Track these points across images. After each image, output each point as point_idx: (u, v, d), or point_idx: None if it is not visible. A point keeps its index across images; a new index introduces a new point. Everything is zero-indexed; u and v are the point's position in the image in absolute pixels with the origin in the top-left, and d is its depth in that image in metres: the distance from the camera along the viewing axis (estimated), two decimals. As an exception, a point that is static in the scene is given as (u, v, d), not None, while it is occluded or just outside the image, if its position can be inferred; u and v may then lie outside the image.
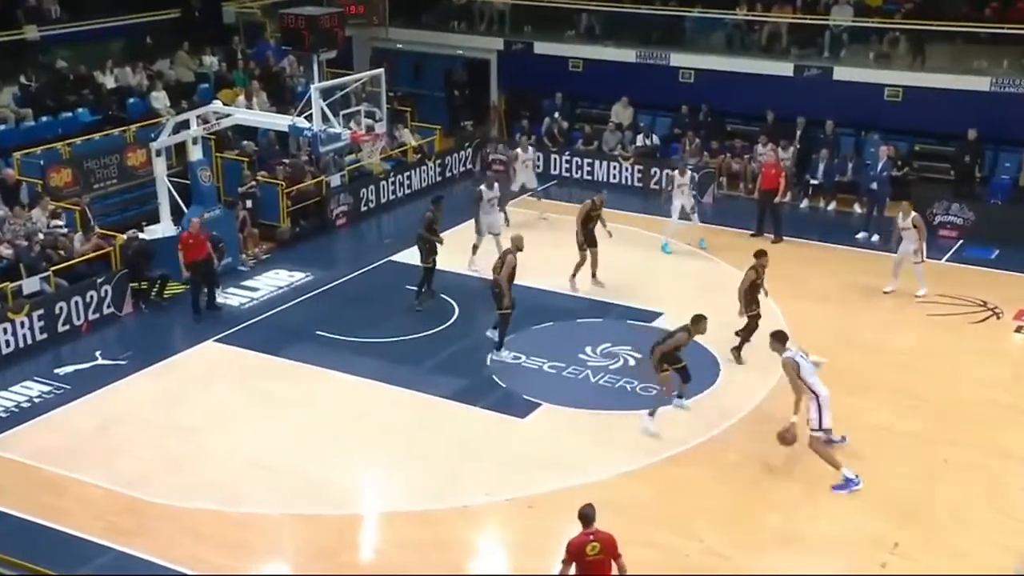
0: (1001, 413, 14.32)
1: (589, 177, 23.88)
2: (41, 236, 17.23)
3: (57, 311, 16.22)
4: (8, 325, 15.59)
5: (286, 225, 20.41)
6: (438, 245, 17.55)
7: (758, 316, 15.34)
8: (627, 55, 25.12)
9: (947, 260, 19.26)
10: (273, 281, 18.74)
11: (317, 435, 13.80)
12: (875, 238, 20.35)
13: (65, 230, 17.59)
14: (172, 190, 18.73)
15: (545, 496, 12.36)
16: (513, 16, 27.30)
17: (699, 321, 13.53)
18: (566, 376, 15.27)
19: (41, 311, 16.01)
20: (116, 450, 13.46)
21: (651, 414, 13.58)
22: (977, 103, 21.59)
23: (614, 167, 23.83)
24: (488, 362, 15.64)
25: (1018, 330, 16.77)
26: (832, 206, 22.40)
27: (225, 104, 19.67)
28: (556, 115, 25.40)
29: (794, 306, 16.74)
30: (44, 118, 20.94)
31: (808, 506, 12.27)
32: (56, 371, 15.48)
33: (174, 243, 17.35)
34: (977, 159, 21.81)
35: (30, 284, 16.31)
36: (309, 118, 16.74)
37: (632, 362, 15.45)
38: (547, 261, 17.80)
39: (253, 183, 20.17)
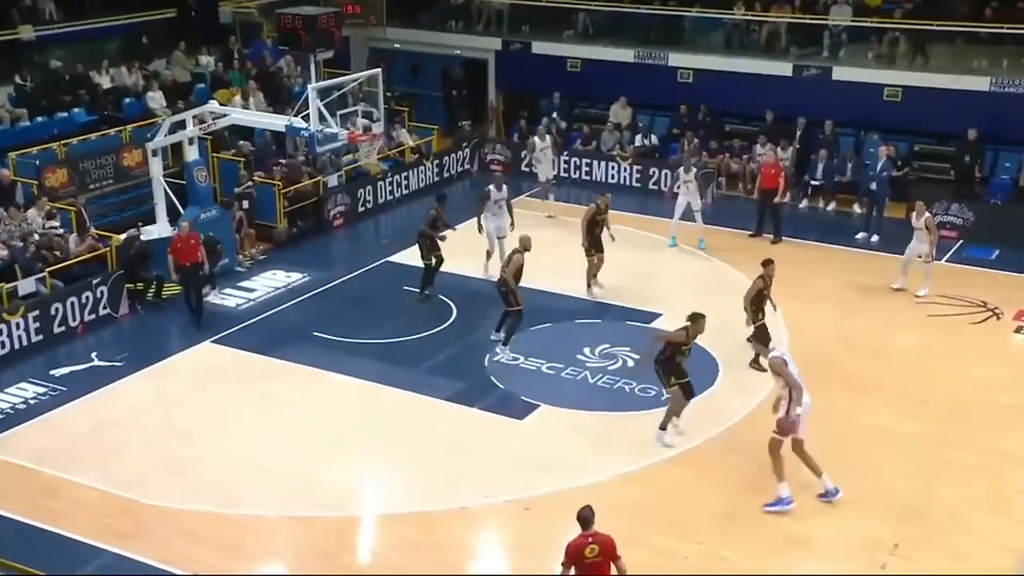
0: (1001, 414, 14.28)
1: (587, 177, 23.81)
2: (36, 237, 17.15)
3: (53, 312, 16.14)
4: (3, 326, 15.50)
5: (283, 226, 20.35)
6: (440, 242, 17.53)
7: (766, 329, 15.12)
8: (625, 55, 25.09)
9: (947, 260, 19.20)
10: (270, 282, 18.68)
11: (314, 436, 13.73)
12: (875, 238, 20.30)
13: (60, 231, 17.51)
14: (168, 190, 18.67)
15: (544, 497, 12.30)
16: (511, 16, 27.30)
17: (698, 319, 13.09)
18: (565, 377, 15.21)
19: (36, 312, 15.93)
20: (112, 452, 13.39)
21: (662, 427, 13.34)
22: (977, 103, 21.56)
23: (612, 167, 23.77)
24: (486, 363, 15.57)
25: (1018, 330, 16.72)
26: (832, 206, 22.36)
27: (221, 104, 19.59)
28: (554, 115, 25.35)
29: (793, 306, 16.68)
30: (39, 118, 20.87)
31: (808, 507, 12.19)
32: (52, 373, 15.40)
33: (169, 244, 17.26)
34: (977, 159, 21.79)
35: (25, 285, 16.22)
36: (306, 118, 16.67)
37: (631, 363, 15.38)
38: (546, 262, 17.71)
39: (249, 183, 20.09)
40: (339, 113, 17.05)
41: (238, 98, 22.37)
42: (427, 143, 24.51)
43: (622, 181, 23.55)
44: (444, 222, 17.91)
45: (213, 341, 16.38)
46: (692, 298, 17.90)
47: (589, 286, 17.86)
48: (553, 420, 14.15)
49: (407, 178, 23.14)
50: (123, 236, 17.80)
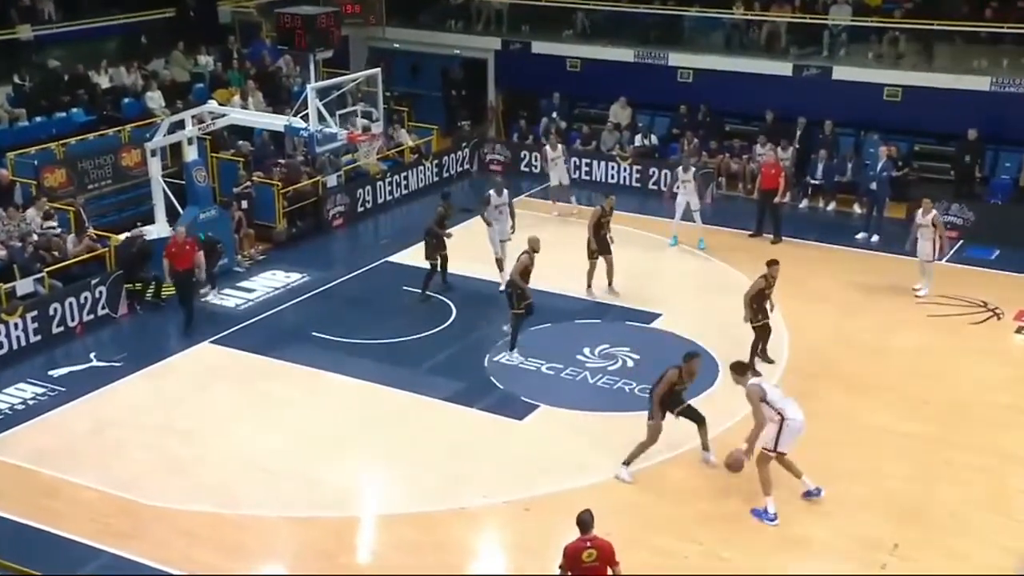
0: (1001, 414, 14.26)
1: (587, 177, 23.78)
2: (35, 237, 17.13)
3: (51, 313, 16.12)
4: (2, 327, 15.48)
5: (282, 226, 20.32)
6: (446, 240, 17.52)
7: (768, 327, 15.09)
8: (625, 55, 25.06)
9: (947, 260, 19.17)
10: (269, 282, 18.65)
11: (314, 437, 13.71)
12: (875, 238, 20.29)
13: (58, 231, 17.48)
14: (167, 191, 18.64)
15: (543, 498, 12.29)
16: (511, 15, 27.29)
17: (691, 359, 12.46)
18: (564, 377, 15.19)
19: (35, 313, 15.91)
20: (111, 452, 13.37)
21: (626, 463, 12.69)
22: (977, 103, 21.55)
23: (612, 167, 23.75)
24: (486, 363, 15.55)
25: (1019, 331, 16.71)
26: (832, 206, 22.34)
27: (220, 104, 19.57)
28: (554, 115, 25.33)
29: (794, 307, 16.67)
30: (38, 118, 20.86)
31: (808, 507, 12.17)
32: (50, 373, 15.38)
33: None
34: (977, 159, 21.77)
35: (24, 285, 16.18)
36: (305, 118, 16.65)
37: (631, 363, 15.36)
38: (546, 262, 17.64)
39: (248, 184, 20.08)
40: (338, 113, 17.04)
41: (237, 98, 22.35)
42: (426, 143, 24.49)
43: (622, 181, 23.52)
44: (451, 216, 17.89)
45: (212, 341, 16.35)
46: (692, 298, 18.02)
47: (589, 286, 17.82)
48: (553, 420, 14.13)
49: (406, 178, 23.11)
50: (123, 236, 17.77)
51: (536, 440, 13.72)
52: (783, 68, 23.60)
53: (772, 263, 15.12)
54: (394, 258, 19.58)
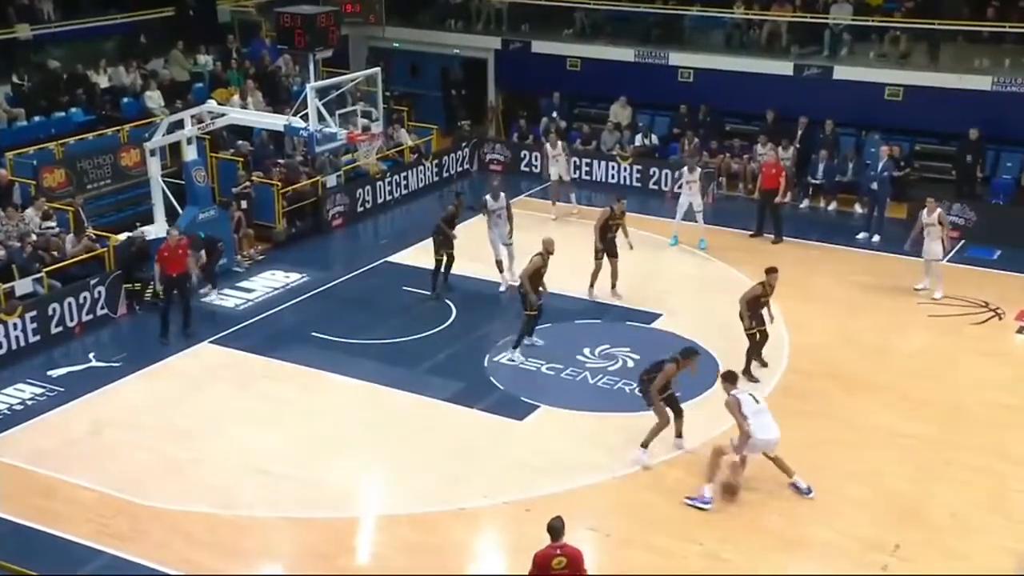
0: (1002, 414, 14.23)
1: (588, 177, 23.74)
2: (34, 237, 17.09)
3: (50, 313, 16.08)
4: (1, 327, 15.45)
5: (282, 226, 20.30)
6: (453, 239, 17.55)
7: (764, 335, 15.02)
8: (625, 54, 25.04)
9: (949, 260, 19.12)
10: (269, 282, 18.62)
11: (313, 437, 13.68)
12: (876, 238, 20.25)
13: (57, 231, 17.45)
14: (166, 190, 18.60)
15: (543, 499, 12.22)
16: (511, 15, 27.27)
17: (690, 355, 12.74)
18: (564, 378, 15.16)
19: (34, 313, 15.87)
20: (110, 453, 13.34)
21: (644, 446, 13.00)
22: (979, 102, 21.52)
23: (612, 167, 23.71)
24: (486, 363, 15.52)
25: (1020, 331, 16.67)
26: (832, 206, 22.30)
27: (220, 103, 19.56)
28: (554, 115, 25.30)
29: (794, 307, 16.64)
30: (37, 118, 20.82)
31: (808, 508, 12.14)
32: (49, 373, 15.35)
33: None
34: (979, 159, 21.73)
35: (23, 285, 16.15)
36: (305, 118, 16.61)
37: (631, 364, 15.33)
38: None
39: (248, 183, 20.04)
40: (338, 113, 16.98)
41: (236, 97, 22.33)
42: (426, 143, 24.46)
43: (622, 181, 23.47)
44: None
45: (211, 342, 16.32)
46: (692, 298, 17.99)
47: (591, 287, 17.77)
48: (553, 421, 14.10)
49: (406, 178, 23.08)
50: (122, 236, 17.73)
51: (536, 440, 13.68)
52: (784, 68, 23.57)
53: (771, 271, 14.96)
54: (394, 258, 19.55)
